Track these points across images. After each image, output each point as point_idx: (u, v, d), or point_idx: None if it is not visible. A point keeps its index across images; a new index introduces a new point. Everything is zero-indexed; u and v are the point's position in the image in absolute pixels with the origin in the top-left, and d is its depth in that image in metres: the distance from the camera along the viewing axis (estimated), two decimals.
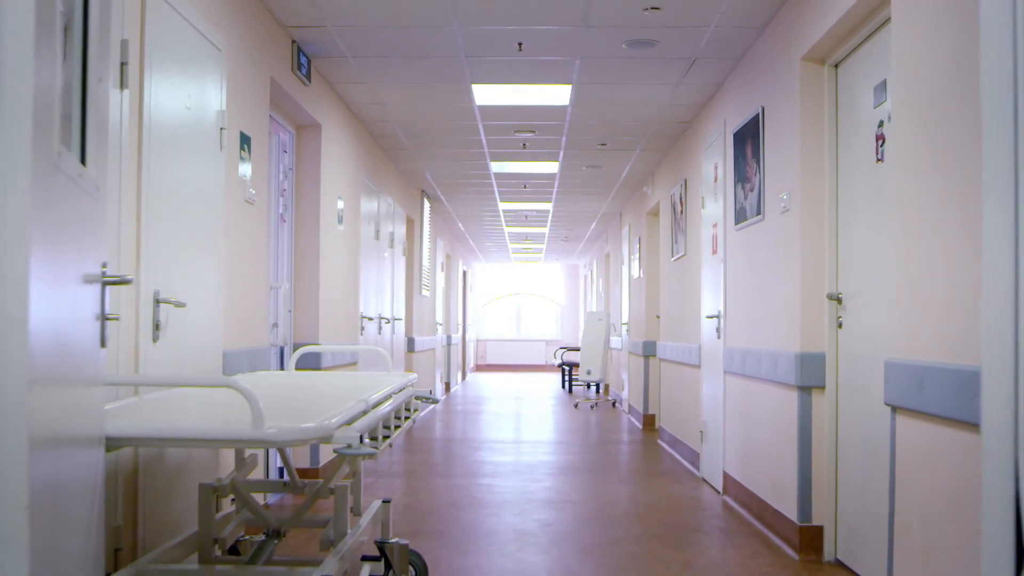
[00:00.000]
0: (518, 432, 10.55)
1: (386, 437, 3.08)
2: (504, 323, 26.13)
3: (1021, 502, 1.39)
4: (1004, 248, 1.42)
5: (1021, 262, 1.40)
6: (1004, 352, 1.41)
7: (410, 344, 11.67)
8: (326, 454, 6.84)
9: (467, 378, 21.54)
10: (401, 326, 10.79)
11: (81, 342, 1.98)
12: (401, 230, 10.68)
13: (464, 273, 20.87)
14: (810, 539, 4.78)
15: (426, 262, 12.64)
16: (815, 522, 4.78)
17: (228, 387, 2.32)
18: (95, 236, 2.14)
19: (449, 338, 16.48)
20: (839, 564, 4.63)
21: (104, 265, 2.23)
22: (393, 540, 3.79)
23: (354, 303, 7.91)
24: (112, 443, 2.29)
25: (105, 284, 2.20)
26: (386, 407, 3.10)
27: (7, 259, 1.42)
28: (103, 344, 2.23)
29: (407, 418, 3.59)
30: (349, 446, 2.45)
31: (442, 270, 15.36)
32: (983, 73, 1.58)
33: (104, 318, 2.22)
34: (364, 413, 2.89)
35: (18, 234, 1.43)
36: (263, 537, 3.43)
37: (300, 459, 6.48)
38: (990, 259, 1.45)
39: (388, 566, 3.76)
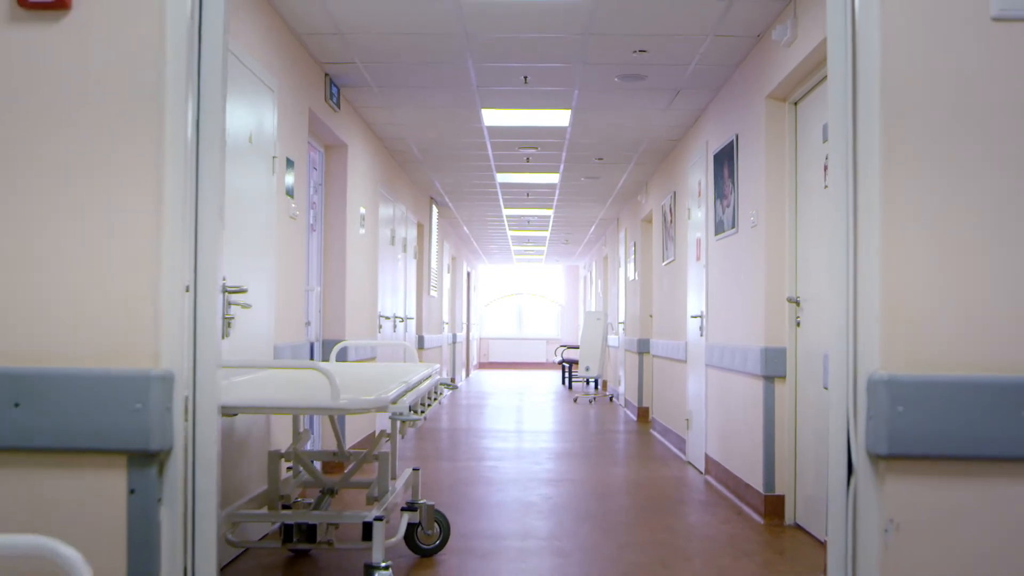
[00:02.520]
0: (521, 423, 11.37)
1: (422, 411, 3.88)
2: (506, 322, 26.95)
3: (853, 435, 2.19)
4: (839, 270, 2.22)
5: (850, 283, 2.20)
6: (841, 339, 2.20)
7: (420, 342, 12.47)
8: (352, 437, 7.65)
9: (471, 375, 22.34)
10: (412, 325, 11.59)
11: (218, 335, 2.79)
12: (412, 234, 11.48)
13: (468, 274, 21.69)
14: (773, 506, 5.59)
15: (434, 264, 13.45)
16: (778, 491, 5.59)
17: (313, 369, 3.13)
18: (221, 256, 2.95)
19: (454, 336, 17.29)
20: (797, 527, 5.43)
21: (224, 277, 3.04)
22: (422, 501, 4.61)
23: (373, 304, 8.71)
24: (228, 410, 3.09)
25: (226, 292, 3.00)
26: (422, 388, 3.91)
27: (207, 279, 2.23)
28: (223, 336, 3.04)
29: (435, 399, 4.39)
30: (400, 414, 3.26)
31: (448, 271, 16.18)
32: (832, 147, 2.38)
33: (225, 317, 3.03)
34: (406, 392, 3.69)
35: (214, 266, 2.24)
36: (318, 494, 4.24)
37: (328, 441, 7.28)
38: (831, 277, 2.25)
39: (418, 522, 4.58)
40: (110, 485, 2.08)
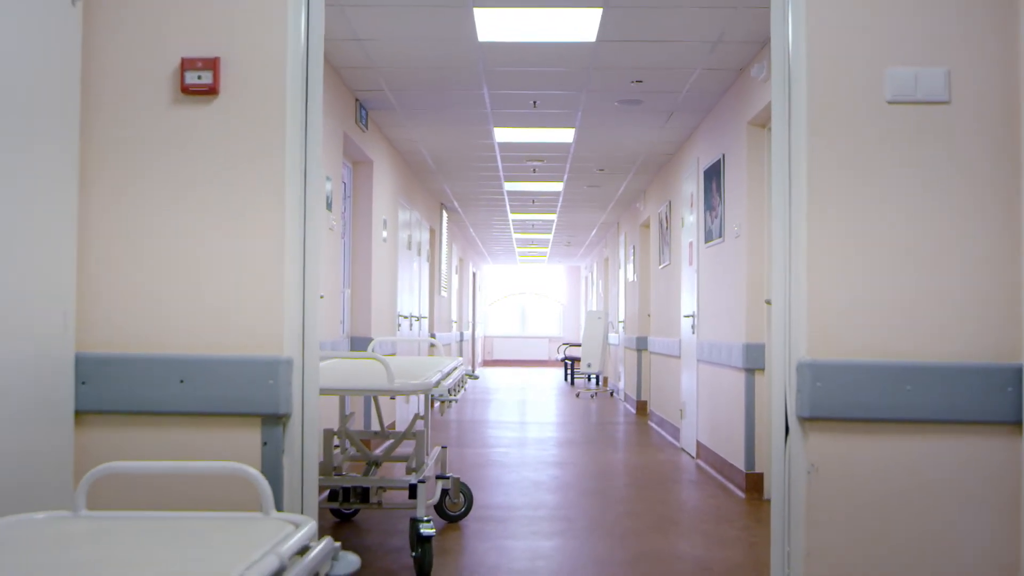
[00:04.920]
0: (527, 416, 12.17)
1: (455, 395, 4.67)
2: (510, 321, 27.75)
3: (788, 404, 2.97)
4: (779, 272, 3.00)
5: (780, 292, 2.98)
6: (780, 333, 2.98)
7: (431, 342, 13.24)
8: (375, 422, 8.43)
9: (476, 371, 23.12)
10: (425, 323, 12.38)
11: (318, 332, 3.57)
12: (425, 238, 12.27)
13: (474, 274, 22.48)
14: (753, 483, 6.38)
15: (444, 266, 14.24)
16: (757, 470, 6.37)
17: (374, 359, 3.91)
18: None
19: (462, 335, 18.09)
20: None
21: None
22: (449, 475, 5.40)
23: (393, 304, 9.50)
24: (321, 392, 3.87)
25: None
26: (455, 376, 4.70)
27: (312, 290, 3.02)
28: None
29: (462, 386, 5.18)
30: (442, 395, 4.05)
31: (456, 272, 16.98)
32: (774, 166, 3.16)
33: None
34: (443, 379, 4.48)
35: (316, 281, 3.03)
36: (365, 466, 5.02)
37: (356, 423, 8.07)
38: (774, 288, 3.03)
39: (446, 492, 5.37)
40: (249, 439, 2.86)
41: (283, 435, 2.89)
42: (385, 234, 8.91)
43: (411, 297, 10.87)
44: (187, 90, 2.89)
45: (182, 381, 2.85)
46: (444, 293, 14.40)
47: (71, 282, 2.84)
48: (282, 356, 2.87)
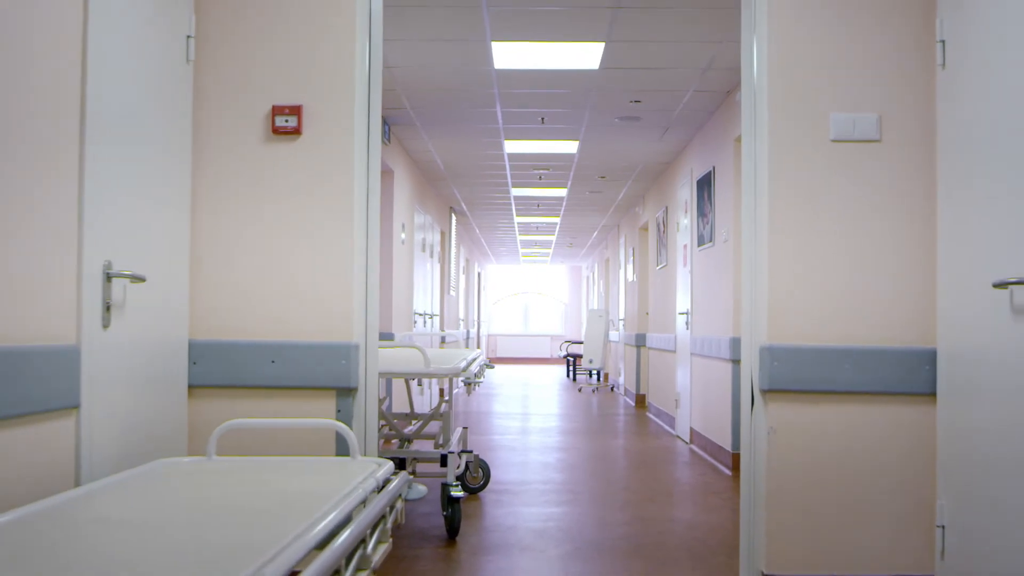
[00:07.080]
0: (532, 409, 12.92)
1: (479, 378, 5.42)
2: (513, 319, 28.50)
3: (753, 380, 3.71)
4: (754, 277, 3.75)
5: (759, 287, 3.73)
6: (747, 324, 3.73)
7: (442, 337, 14.00)
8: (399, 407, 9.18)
9: None
10: (436, 321, 13.12)
11: (376, 322, 4.32)
12: (436, 240, 13.01)
13: (479, 274, 23.22)
14: (739, 462, 7.12)
15: (453, 267, 14.99)
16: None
17: (413, 348, 4.66)
18: None
19: (468, 332, 18.84)
20: None
21: None
22: (470, 451, 6.14)
23: (409, 302, 10.24)
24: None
25: None
26: (478, 363, 5.45)
27: (372, 291, 3.76)
28: None
29: (482, 372, 5.93)
30: (469, 378, 4.79)
31: (463, 272, 17.72)
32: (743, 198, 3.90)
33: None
34: (468, 366, 5.23)
35: (375, 284, 3.78)
36: (397, 442, 5.77)
37: None
38: (744, 289, 3.77)
39: (467, 467, 6.12)
40: (326, 408, 3.60)
41: (352, 404, 3.64)
42: (403, 236, 9.66)
43: (425, 296, 11.62)
44: (277, 131, 3.64)
45: (273, 362, 3.60)
46: (453, 292, 15.15)
47: (185, 283, 3.59)
48: (352, 342, 3.62)
